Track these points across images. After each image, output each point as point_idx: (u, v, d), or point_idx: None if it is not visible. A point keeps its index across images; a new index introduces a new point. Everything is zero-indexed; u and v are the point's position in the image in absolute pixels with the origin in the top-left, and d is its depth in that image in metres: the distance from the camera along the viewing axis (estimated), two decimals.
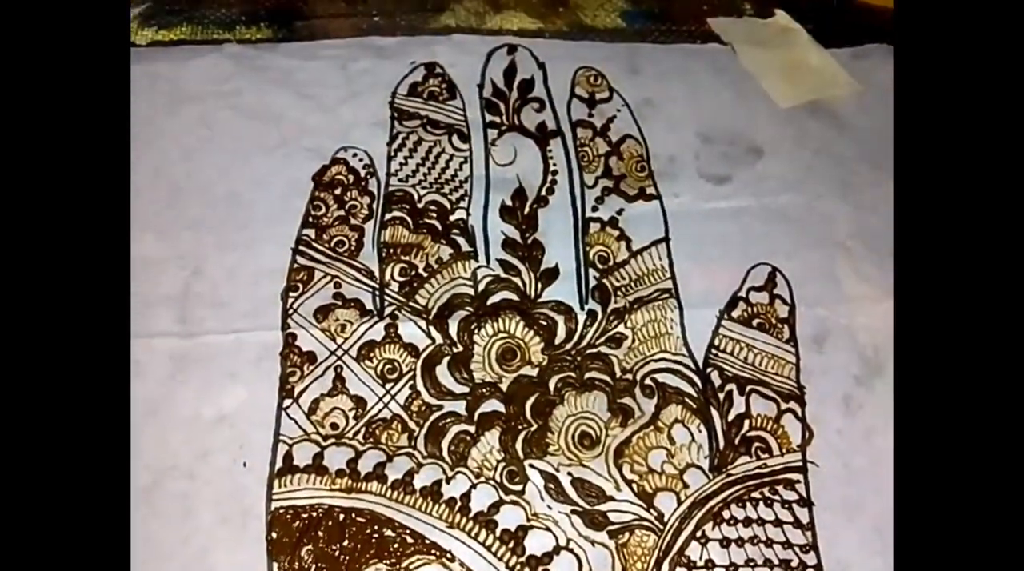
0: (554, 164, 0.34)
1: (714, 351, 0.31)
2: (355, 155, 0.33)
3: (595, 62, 0.37)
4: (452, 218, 0.32)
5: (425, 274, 0.31)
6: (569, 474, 0.28)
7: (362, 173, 0.33)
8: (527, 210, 0.33)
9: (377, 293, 0.30)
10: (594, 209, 0.33)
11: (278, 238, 0.31)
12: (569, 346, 0.30)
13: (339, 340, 0.29)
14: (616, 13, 0.39)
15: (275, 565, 0.25)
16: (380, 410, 0.28)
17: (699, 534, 0.27)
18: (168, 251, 0.31)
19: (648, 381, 0.30)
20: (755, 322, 0.31)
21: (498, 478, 0.27)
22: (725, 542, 0.27)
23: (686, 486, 0.28)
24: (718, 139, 0.36)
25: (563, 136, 0.35)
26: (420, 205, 0.32)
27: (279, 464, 0.27)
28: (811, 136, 0.37)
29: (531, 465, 0.28)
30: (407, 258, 0.31)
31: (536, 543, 0.26)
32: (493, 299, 0.31)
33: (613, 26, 0.39)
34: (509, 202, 0.33)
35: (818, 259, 0.33)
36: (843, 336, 0.31)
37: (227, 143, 0.33)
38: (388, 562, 0.25)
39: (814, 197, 0.35)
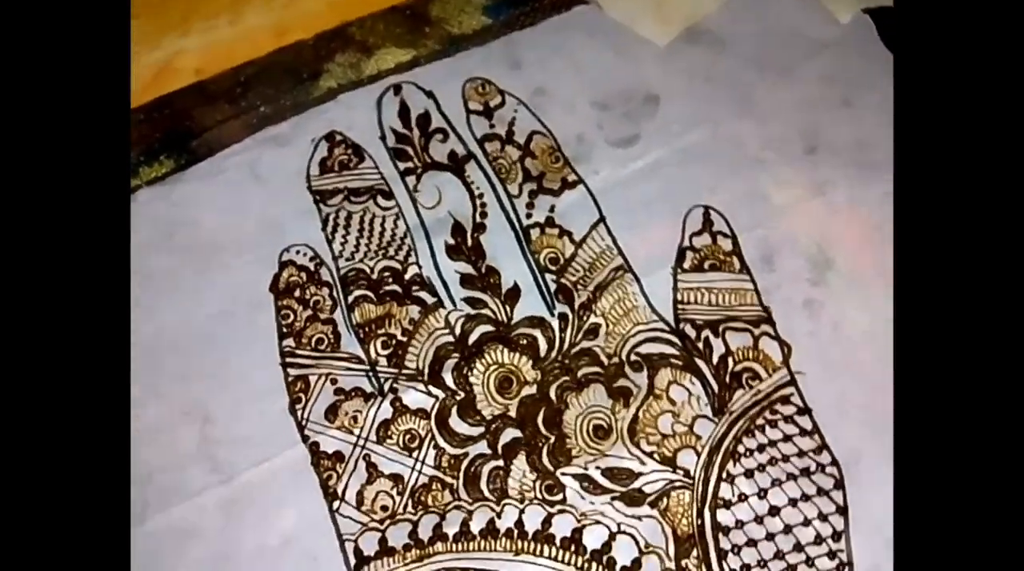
0: (477, 188, 0.36)
1: (680, 306, 0.33)
2: (298, 252, 0.35)
3: (477, 70, 0.38)
4: (407, 277, 0.34)
5: (404, 339, 0.33)
6: (597, 468, 0.31)
7: (312, 267, 0.35)
8: (470, 242, 0.35)
9: (371, 374, 0.33)
10: (528, 216, 0.35)
11: (262, 359, 0.33)
12: (555, 354, 0.33)
13: (356, 431, 0.32)
14: (478, 12, 0.40)
15: None
16: (417, 478, 0.31)
17: (724, 475, 0.30)
18: (171, 411, 0.33)
19: (633, 357, 0.32)
20: (707, 265, 0.34)
21: (540, 495, 0.30)
22: (748, 473, 0.30)
23: (699, 437, 0.31)
24: (614, 102, 0.37)
25: (475, 157, 0.36)
26: (375, 276, 0.34)
27: (353, 561, 0.30)
28: (697, 64, 0.38)
29: (563, 474, 0.31)
30: (383, 330, 0.33)
31: (593, 538, 0.30)
32: (472, 337, 0.33)
33: (480, 26, 0.40)
34: (451, 241, 0.35)
35: (741, 183, 0.35)
36: (787, 246, 0.34)
37: (174, 288, 0.35)
38: None
39: (717, 124, 0.37)
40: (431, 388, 0.32)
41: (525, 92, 0.38)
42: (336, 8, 0.40)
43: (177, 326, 0.34)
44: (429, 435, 0.31)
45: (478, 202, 0.36)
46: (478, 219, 0.35)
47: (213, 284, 0.35)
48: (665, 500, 0.30)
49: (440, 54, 0.39)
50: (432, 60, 0.39)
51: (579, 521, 0.30)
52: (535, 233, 0.35)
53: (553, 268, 0.34)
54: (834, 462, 0.30)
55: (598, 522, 0.30)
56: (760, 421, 0.31)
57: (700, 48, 0.38)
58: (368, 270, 0.34)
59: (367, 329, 0.33)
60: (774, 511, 0.29)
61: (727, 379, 0.32)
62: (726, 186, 0.35)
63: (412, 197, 0.36)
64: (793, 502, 0.29)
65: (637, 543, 0.29)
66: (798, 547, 0.29)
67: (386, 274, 0.34)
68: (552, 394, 0.32)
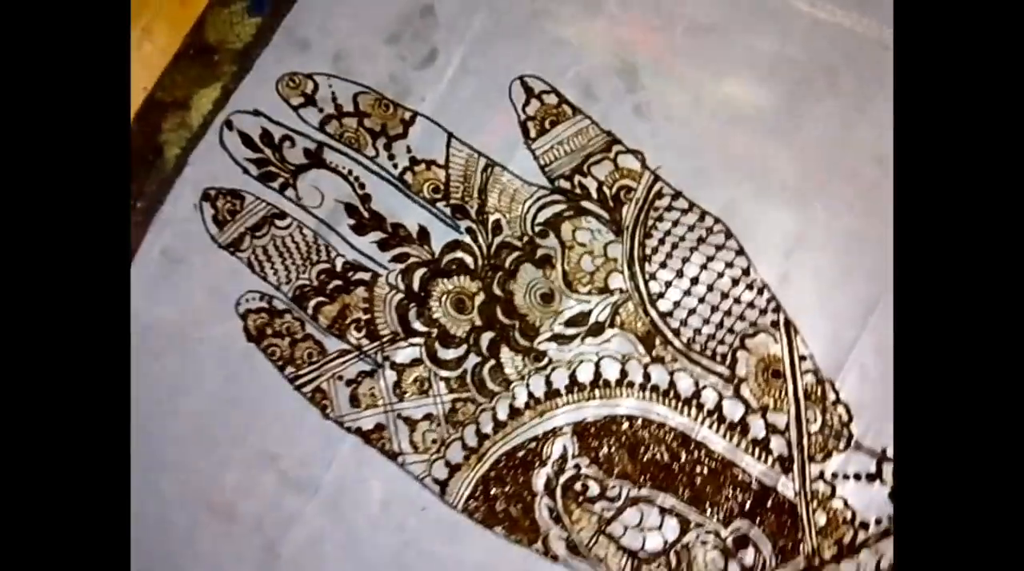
0: (344, 168, 0.40)
1: (547, 168, 0.39)
2: (248, 301, 0.40)
3: (277, 68, 0.41)
4: (339, 269, 0.40)
5: (369, 316, 0.40)
6: (560, 324, 0.38)
7: (266, 305, 0.40)
8: (367, 214, 0.40)
9: (362, 356, 0.39)
10: (395, 166, 0.40)
11: (280, 390, 0.40)
12: (481, 261, 0.39)
13: (380, 403, 0.39)
14: (244, 16, 0.42)
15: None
16: (443, 408, 0.38)
17: (647, 276, 0.38)
18: (247, 468, 0.40)
19: (536, 228, 0.39)
20: (547, 124, 0.39)
21: (532, 367, 0.38)
22: (663, 265, 0.38)
23: (615, 260, 0.38)
24: (400, 31, 0.41)
25: (324, 144, 0.41)
26: (316, 283, 0.40)
27: (437, 488, 0.38)
28: None
29: (538, 343, 0.38)
30: (350, 319, 0.40)
31: (584, 374, 0.38)
32: (416, 284, 0.39)
33: (255, 28, 0.42)
34: (352, 221, 0.40)
35: (535, 39, 0.40)
36: (597, 73, 0.39)
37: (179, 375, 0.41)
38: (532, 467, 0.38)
39: (489, 3, 0.40)
40: (411, 340, 0.39)
41: (326, 64, 0.41)
42: (136, 85, 0.42)
43: (209, 399, 0.40)
44: (431, 373, 0.39)
45: (351, 179, 0.40)
46: (360, 192, 0.40)
47: (202, 360, 0.41)
48: (618, 317, 0.38)
49: (241, 72, 0.42)
50: (239, 81, 0.42)
51: (569, 368, 0.38)
52: (409, 177, 0.40)
53: (439, 196, 0.40)
54: (716, 220, 0.37)
55: (582, 361, 0.38)
56: (650, 222, 0.38)
57: None
58: (307, 282, 0.40)
59: (337, 325, 0.40)
60: (695, 281, 0.37)
61: (611, 203, 0.38)
62: (526, 49, 0.40)
63: (300, 206, 0.41)
64: (704, 266, 0.37)
65: (616, 359, 0.37)
66: (724, 295, 0.37)
67: (323, 276, 0.40)
68: (497, 291, 0.39)
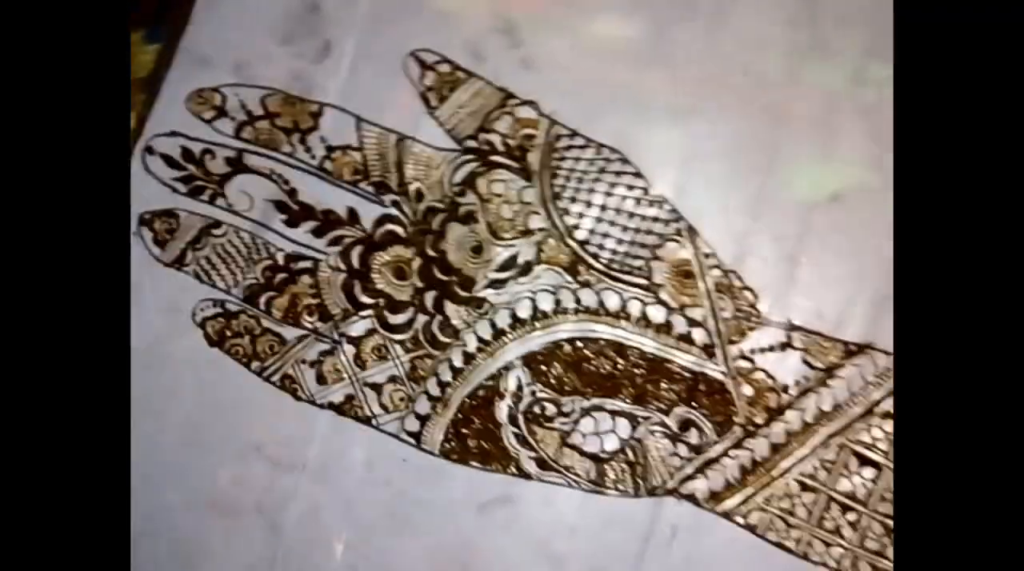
0: (267, 169, 0.43)
1: (453, 133, 0.42)
2: (202, 309, 0.43)
3: (183, 89, 0.44)
4: (281, 262, 0.43)
5: (317, 300, 0.43)
6: (493, 271, 0.42)
7: (220, 310, 0.43)
8: (296, 206, 0.43)
9: (319, 337, 0.42)
10: (313, 157, 0.43)
11: (251, 384, 0.43)
12: (411, 229, 0.42)
13: (345, 376, 0.42)
14: (144, 45, 0.45)
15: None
16: (405, 369, 0.42)
17: (562, 212, 0.41)
18: (236, 463, 0.43)
19: (454, 189, 0.42)
20: (445, 91, 0.42)
21: (475, 315, 0.42)
22: (572, 199, 0.41)
23: (530, 202, 0.42)
24: (291, 29, 0.44)
25: (242, 150, 0.43)
26: (263, 280, 0.43)
27: (415, 430, 0.42)
28: None
29: (477, 292, 0.42)
30: (301, 306, 0.43)
31: (523, 310, 0.41)
32: (355, 262, 0.43)
33: (156, 53, 0.44)
34: (283, 216, 0.43)
35: (420, 15, 0.43)
36: (482, 35, 0.42)
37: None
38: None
39: None
40: (361, 313, 0.42)
41: (229, 75, 0.44)
42: None
43: (189, 408, 0.43)
44: (386, 340, 0.42)
45: (275, 177, 0.43)
46: (286, 188, 0.43)
47: (174, 373, 0.43)
48: (543, 253, 0.41)
49: (151, 98, 0.44)
50: (150, 107, 0.44)
51: (509, 308, 0.41)
52: (328, 165, 0.43)
53: (360, 177, 0.43)
54: (612, 150, 0.41)
55: (519, 300, 0.41)
56: (554, 162, 0.41)
57: None
58: (254, 280, 0.43)
59: (291, 315, 0.43)
60: (603, 208, 0.41)
61: (517, 153, 0.42)
62: (412, 27, 0.43)
63: (232, 212, 0.43)
64: (608, 193, 0.41)
65: (548, 291, 0.41)
66: (631, 215, 0.41)
67: (267, 272, 0.43)
68: (430, 252, 0.42)
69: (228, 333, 0.43)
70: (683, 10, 0.41)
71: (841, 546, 0.38)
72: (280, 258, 0.43)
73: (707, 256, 0.40)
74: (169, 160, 0.43)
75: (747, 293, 0.40)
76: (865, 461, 0.38)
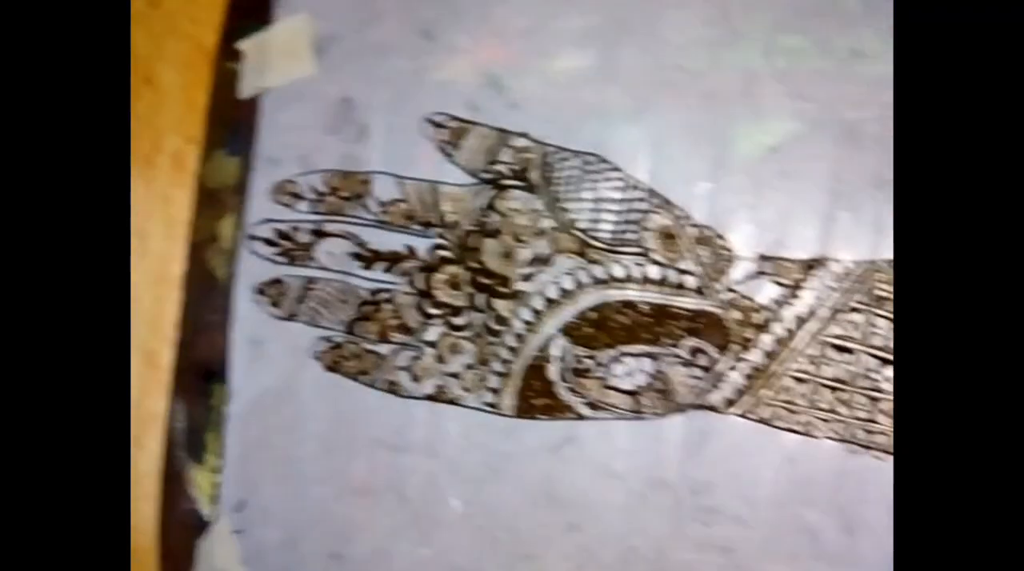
0: (341, 231, 0.56)
1: (471, 171, 0.54)
2: (317, 346, 0.56)
3: (265, 183, 0.58)
4: (369, 297, 0.56)
5: (399, 320, 0.55)
6: (523, 268, 0.53)
7: (331, 342, 0.56)
8: (369, 254, 0.56)
9: (407, 347, 0.55)
10: (372, 213, 0.56)
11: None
12: (457, 252, 0.55)
13: (433, 372, 0.54)
14: (225, 160, 0.59)
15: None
16: (475, 357, 0.54)
17: (564, 210, 0.53)
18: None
19: (481, 212, 0.54)
20: (457, 141, 0.55)
21: (518, 305, 0.53)
22: (571, 198, 0.53)
23: (538, 209, 0.53)
24: (334, 121, 0.57)
25: (320, 221, 0.56)
26: (357, 313, 0.56)
27: (508, 404, 0.54)
28: None
29: (515, 287, 0.53)
30: (386, 327, 0.55)
31: (552, 293, 0.53)
32: (421, 285, 0.55)
33: (237, 168, 0.59)
34: (361, 264, 0.56)
35: (423, 90, 0.55)
36: (474, 85, 0.54)
37: None
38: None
39: None
40: (432, 322, 0.55)
41: (296, 166, 0.57)
42: (175, 250, 0.59)
43: (326, 422, 0.56)
44: (456, 338, 0.54)
45: (348, 235, 0.56)
46: (357, 241, 0.56)
47: (309, 402, 0.57)
48: (558, 246, 0.53)
49: (242, 197, 0.58)
50: (243, 204, 0.58)
51: (542, 294, 0.53)
52: (385, 216, 0.56)
53: (410, 221, 0.55)
54: (590, 153, 0.52)
55: (548, 285, 0.53)
56: (550, 174, 0.53)
57: None
58: (351, 314, 0.56)
59: (382, 334, 0.55)
60: (595, 200, 0.52)
61: (521, 175, 0.53)
62: (421, 99, 0.55)
63: (322, 268, 0.56)
64: (594, 188, 0.52)
65: (569, 274, 0.52)
66: (616, 201, 0.52)
67: (360, 306, 0.56)
68: (473, 265, 0.54)
69: (339, 359, 0.56)
70: (623, 35, 0.52)
71: (837, 420, 0.48)
72: (365, 294, 0.56)
73: (681, 218, 0.50)
74: (268, 241, 0.57)
75: (718, 240, 0.50)
76: (842, 349, 0.48)
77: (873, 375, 0.47)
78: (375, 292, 0.55)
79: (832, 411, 0.48)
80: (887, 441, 0.47)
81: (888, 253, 0.47)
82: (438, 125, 0.55)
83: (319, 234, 0.56)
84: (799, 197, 0.49)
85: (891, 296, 0.47)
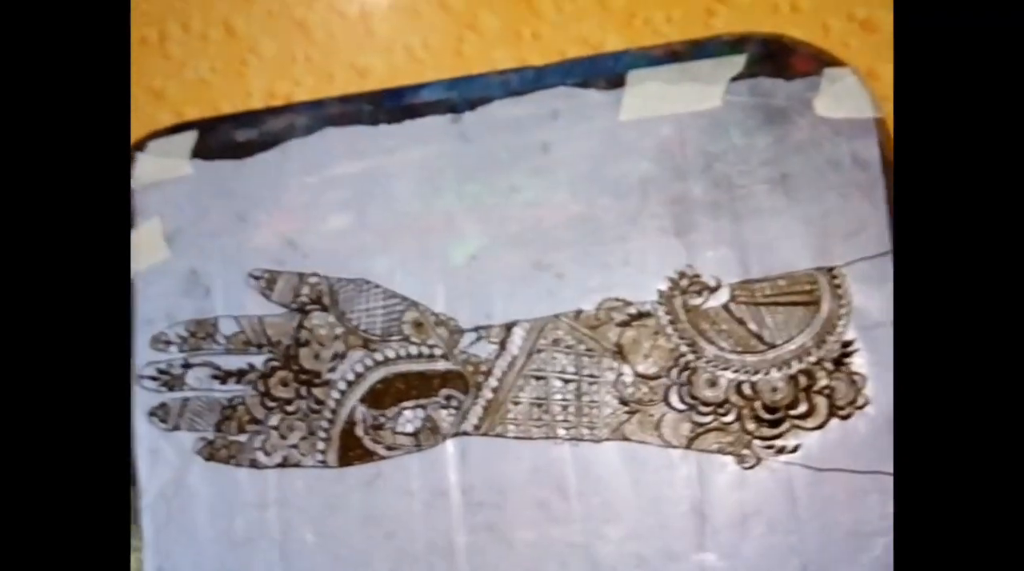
0: (202, 360, 0.79)
1: (282, 304, 0.79)
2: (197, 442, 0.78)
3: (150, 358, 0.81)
4: (224, 404, 0.78)
5: (248, 416, 0.78)
6: (330, 363, 0.77)
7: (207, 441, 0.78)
8: (223, 373, 0.79)
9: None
10: (219, 344, 0.79)
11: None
12: (283, 359, 0.78)
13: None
14: None
15: None
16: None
17: (354, 320, 0.77)
18: None
19: (296, 331, 0.78)
20: (272, 284, 0.79)
21: (326, 388, 0.77)
22: (357, 313, 0.77)
23: (338, 327, 0.77)
24: (184, 289, 0.81)
25: (187, 362, 0.79)
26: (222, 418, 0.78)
27: None
28: None
29: (326, 376, 0.77)
30: (245, 420, 0.78)
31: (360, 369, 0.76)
32: (261, 389, 0.78)
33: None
34: (218, 381, 0.79)
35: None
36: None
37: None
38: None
39: None
40: (272, 414, 0.78)
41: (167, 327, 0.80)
42: None
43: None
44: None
45: (209, 365, 0.79)
46: (216, 366, 0.79)
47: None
48: (350, 344, 0.77)
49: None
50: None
51: (346, 380, 0.77)
52: (231, 345, 0.79)
53: (248, 345, 0.79)
54: (357, 279, 0.77)
55: (347, 376, 0.77)
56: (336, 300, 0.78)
57: None
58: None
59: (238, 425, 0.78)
60: (367, 310, 0.77)
61: (322, 301, 0.78)
62: (244, 262, 0.80)
63: (193, 389, 0.79)
64: (366, 305, 0.77)
65: (360, 364, 0.77)
66: (380, 308, 0.77)
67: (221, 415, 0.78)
68: (296, 367, 0.78)
69: (214, 451, 0.78)
70: (368, 202, 0.78)
71: (543, 424, 0.73)
72: (225, 402, 0.78)
73: (425, 312, 0.76)
74: (152, 377, 0.80)
75: (451, 322, 0.75)
76: (537, 378, 0.73)
77: (556, 394, 0.73)
78: (231, 399, 0.77)
79: (538, 419, 0.73)
80: (578, 432, 0.72)
81: (560, 309, 0.73)
82: (257, 277, 0.79)
83: (187, 366, 0.78)
84: (493, 287, 0.75)
85: (565, 338, 0.73)
